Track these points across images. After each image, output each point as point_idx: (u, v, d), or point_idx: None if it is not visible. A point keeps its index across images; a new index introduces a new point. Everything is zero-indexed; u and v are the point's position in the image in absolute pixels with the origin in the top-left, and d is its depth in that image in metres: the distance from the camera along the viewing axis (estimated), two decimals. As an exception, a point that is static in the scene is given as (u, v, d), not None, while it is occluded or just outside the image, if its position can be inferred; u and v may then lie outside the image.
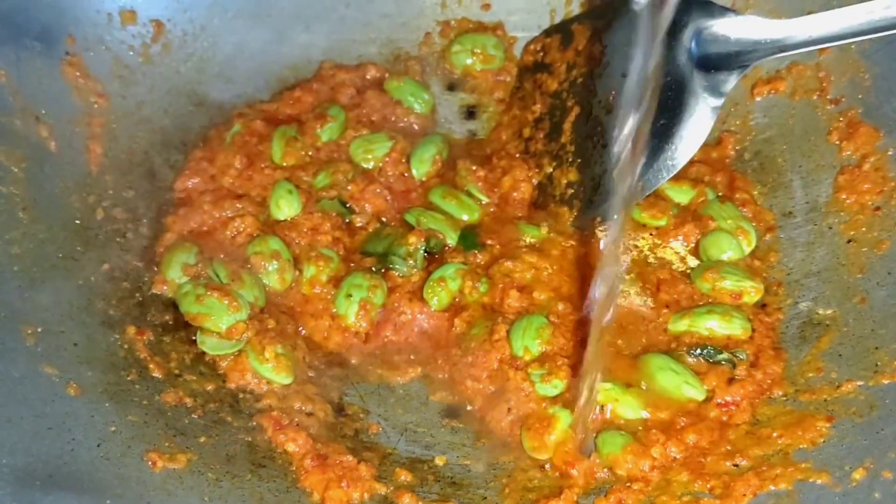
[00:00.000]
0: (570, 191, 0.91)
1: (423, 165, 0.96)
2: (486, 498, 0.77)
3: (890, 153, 0.88)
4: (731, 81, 0.81)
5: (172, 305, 0.86)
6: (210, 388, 0.82)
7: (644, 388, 0.79)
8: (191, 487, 0.73)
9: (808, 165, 0.93)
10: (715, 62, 0.82)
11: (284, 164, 0.94)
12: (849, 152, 0.90)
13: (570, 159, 0.90)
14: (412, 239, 0.89)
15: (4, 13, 0.87)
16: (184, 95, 0.98)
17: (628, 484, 0.75)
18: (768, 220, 0.92)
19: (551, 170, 0.92)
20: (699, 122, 0.82)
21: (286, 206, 0.91)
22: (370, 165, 0.96)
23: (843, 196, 0.89)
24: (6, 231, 0.82)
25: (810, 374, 0.80)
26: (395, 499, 0.76)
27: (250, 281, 0.86)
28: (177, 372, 0.82)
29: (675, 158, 0.83)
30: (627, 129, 0.64)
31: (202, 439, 0.77)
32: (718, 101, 0.82)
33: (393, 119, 1.00)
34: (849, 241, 0.87)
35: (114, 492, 0.69)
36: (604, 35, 0.91)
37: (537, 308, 0.85)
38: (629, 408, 0.79)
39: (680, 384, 0.79)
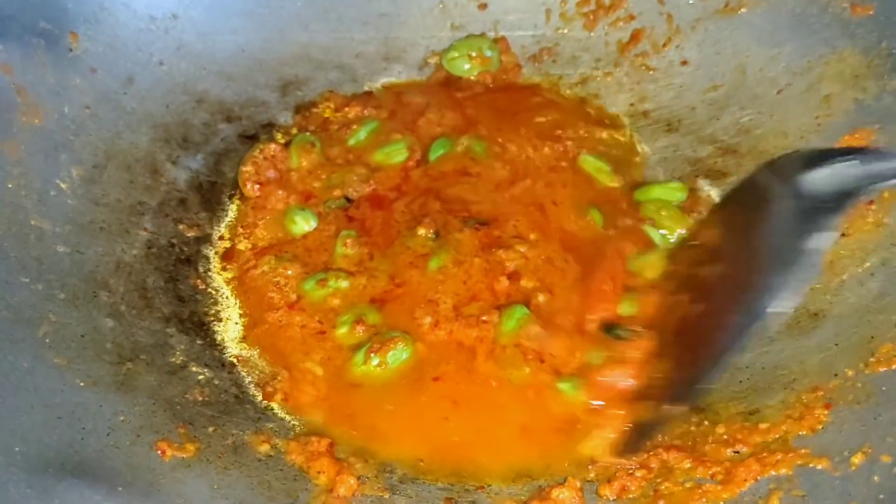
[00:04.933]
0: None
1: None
2: (489, 485, 0.78)
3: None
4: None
5: (178, 297, 0.87)
6: (216, 379, 0.82)
7: None
8: (199, 476, 0.73)
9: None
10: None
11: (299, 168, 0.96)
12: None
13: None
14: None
15: (8, 10, 0.88)
16: (185, 92, 0.99)
17: (631, 471, 0.77)
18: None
19: None
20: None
21: (302, 222, 0.92)
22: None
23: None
24: (11, 226, 0.82)
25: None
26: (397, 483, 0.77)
27: None
28: (183, 363, 0.83)
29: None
30: None
31: (210, 429, 0.78)
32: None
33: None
34: (842, 235, 0.89)
35: (125, 479, 0.70)
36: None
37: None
38: None
39: None
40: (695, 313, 0.80)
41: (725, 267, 0.80)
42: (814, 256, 0.71)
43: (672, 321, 0.82)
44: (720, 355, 0.74)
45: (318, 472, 0.76)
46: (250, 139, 1.00)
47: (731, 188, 0.92)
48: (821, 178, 0.74)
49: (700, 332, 0.78)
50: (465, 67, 1.05)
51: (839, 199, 0.73)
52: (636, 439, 0.78)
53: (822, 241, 0.72)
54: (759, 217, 0.76)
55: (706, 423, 0.80)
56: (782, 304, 0.71)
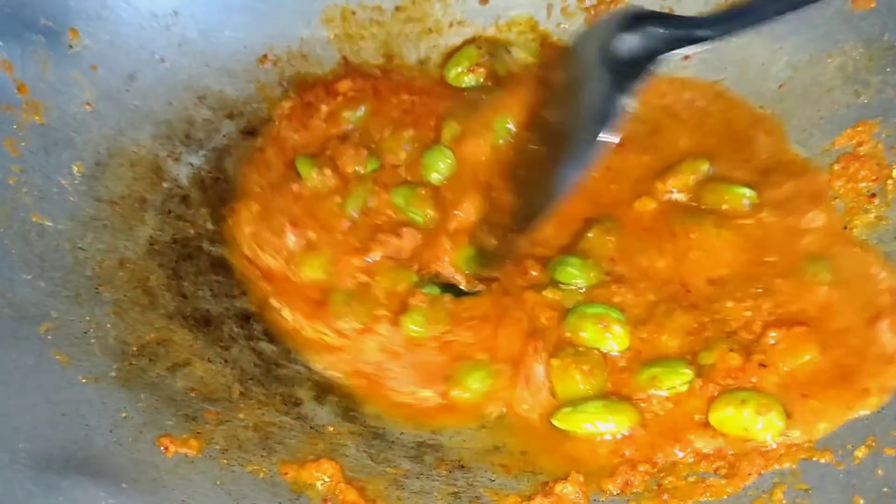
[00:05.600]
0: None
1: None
2: (493, 480, 0.78)
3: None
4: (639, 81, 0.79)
5: (180, 294, 0.87)
6: (220, 375, 0.82)
7: None
8: (203, 472, 0.74)
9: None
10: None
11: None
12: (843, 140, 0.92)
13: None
14: None
15: (8, 7, 0.87)
16: (187, 89, 0.99)
17: (634, 465, 0.77)
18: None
19: None
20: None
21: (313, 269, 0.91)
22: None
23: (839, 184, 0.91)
24: (13, 223, 0.82)
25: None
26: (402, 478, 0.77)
27: None
28: (186, 359, 0.83)
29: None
30: None
31: (213, 425, 0.78)
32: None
33: None
34: (844, 228, 0.89)
35: (129, 476, 0.70)
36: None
37: None
38: None
39: None
40: (537, 155, 0.87)
41: (559, 116, 0.85)
42: (618, 117, 0.76)
43: (522, 158, 0.89)
44: (550, 198, 0.81)
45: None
46: (252, 135, 1.00)
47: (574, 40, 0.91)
48: (631, 41, 0.78)
49: (539, 173, 0.84)
50: (466, 80, 1.04)
51: (645, 62, 0.78)
52: (486, 261, 0.88)
53: (627, 103, 0.77)
54: (580, 77, 0.81)
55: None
56: (588, 160, 0.78)
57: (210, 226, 0.94)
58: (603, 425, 0.77)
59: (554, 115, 0.86)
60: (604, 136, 0.76)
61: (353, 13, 1.05)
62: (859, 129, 0.91)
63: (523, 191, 0.86)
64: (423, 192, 0.92)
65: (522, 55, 1.06)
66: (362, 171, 0.95)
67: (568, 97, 0.83)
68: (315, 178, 0.93)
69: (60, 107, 0.90)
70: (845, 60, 0.94)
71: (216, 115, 1.00)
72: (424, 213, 0.92)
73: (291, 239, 0.90)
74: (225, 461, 0.75)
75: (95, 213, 0.88)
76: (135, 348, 0.81)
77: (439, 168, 0.93)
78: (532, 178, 0.85)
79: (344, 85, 1.01)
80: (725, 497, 0.73)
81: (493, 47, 1.06)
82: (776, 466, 0.73)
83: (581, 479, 0.75)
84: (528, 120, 0.91)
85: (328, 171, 0.93)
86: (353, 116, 0.99)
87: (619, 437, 0.78)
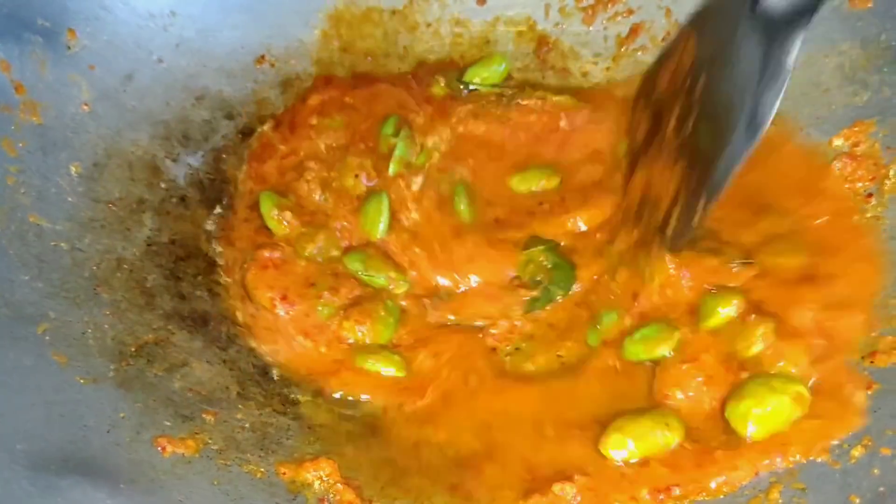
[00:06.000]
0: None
1: None
2: (490, 478, 0.78)
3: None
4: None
5: (178, 294, 0.87)
6: (218, 376, 0.82)
7: None
8: (200, 472, 0.74)
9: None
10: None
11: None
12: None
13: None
14: None
15: (5, 8, 0.87)
16: (184, 89, 0.99)
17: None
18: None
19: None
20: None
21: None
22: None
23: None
24: (11, 223, 0.82)
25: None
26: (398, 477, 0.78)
27: None
28: (184, 360, 0.83)
29: None
30: None
31: (211, 425, 0.78)
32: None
33: None
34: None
35: (127, 476, 0.70)
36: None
37: None
38: None
39: None
40: (687, 131, 0.84)
41: (707, 85, 0.83)
42: (784, 70, 0.74)
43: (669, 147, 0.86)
44: (727, 170, 0.78)
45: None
46: (250, 136, 1.00)
47: (695, 13, 0.91)
48: None
49: (699, 150, 0.82)
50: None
51: (801, 12, 0.74)
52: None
53: (790, 54, 0.74)
54: (727, 37, 0.78)
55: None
56: (765, 120, 0.76)
57: (208, 226, 0.94)
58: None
59: (699, 90, 0.84)
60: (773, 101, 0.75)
61: (351, 14, 1.05)
62: (856, 128, 0.91)
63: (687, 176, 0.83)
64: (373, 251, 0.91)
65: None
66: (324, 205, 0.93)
67: (715, 63, 0.81)
68: (276, 225, 0.90)
69: (58, 107, 0.90)
70: (842, 60, 0.94)
71: (214, 115, 1.00)
72: (386, 275, 0.89)
73: (282, 313, 0.88)
74: (222, 461, 0.75)
75: (93, 213, 0.88)
76: (133, 349, 0.81)
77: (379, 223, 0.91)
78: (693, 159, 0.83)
79: (315, 99, 1.00)
80: (722, 497, 0.73)
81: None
82: (773, 465, 0.73)
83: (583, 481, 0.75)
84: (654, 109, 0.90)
85: (288, 215, 0.91)
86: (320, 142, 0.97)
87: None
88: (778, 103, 0.75)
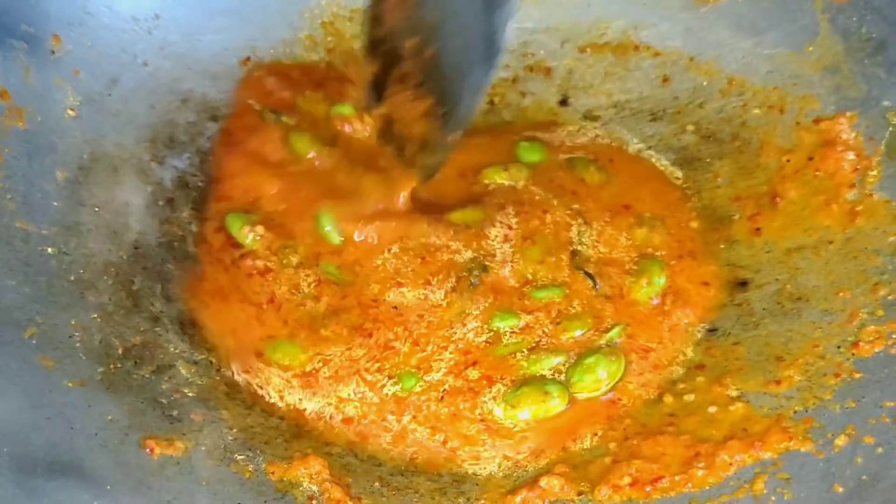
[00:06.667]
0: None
1: None
2: (477, 475, 0.79)
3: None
4: None
5: (166, 297, 0.87)
6: (205, 378, 0.83)
7: None
8: (189, 473, 0.74)
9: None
10: None
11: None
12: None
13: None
14: None
15: (-11, 13, 0.88)
16: (170, 92, 0.99)
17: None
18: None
19: None
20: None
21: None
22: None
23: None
24: (-5, 228, 0.83)
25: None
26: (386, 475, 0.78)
27: None
28: (171, 362, 0.83)
29: None
30: None
31: (199, 427, 0.78)
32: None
33: None
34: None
35: (113, 478, 0.70)
36: None
37: None
38: None
39: None
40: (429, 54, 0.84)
41: (436, 19, 0.83)
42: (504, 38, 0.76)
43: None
44: (471, 102, 0.82)
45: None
46: (236, 138, 1.00)
47: None
48: None
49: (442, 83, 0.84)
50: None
51: None
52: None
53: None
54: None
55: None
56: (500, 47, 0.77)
57: (195, 228, 0.94)
58: None
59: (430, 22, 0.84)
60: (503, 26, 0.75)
61: (335, 15, 1.05)
62: (839, 120, 0.92)
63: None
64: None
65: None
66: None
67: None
68: (253, 242, 0.89)
69: (43, 112, 0.90)
70: (823, 53, 0.94)
71: (199, 117, 1.00)
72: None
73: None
74: (211, 462, 0.75)
75: (79, 217, 0.88)
76: (120, 351, 0.81)
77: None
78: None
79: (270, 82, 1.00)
80: (708, 487, 0.73)
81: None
82: (758, 455, 0.74)
83: (566, 471, 0.76)
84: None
85: (260, 229, 0.89)
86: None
87: None
88: (509, 28, 0.76)
